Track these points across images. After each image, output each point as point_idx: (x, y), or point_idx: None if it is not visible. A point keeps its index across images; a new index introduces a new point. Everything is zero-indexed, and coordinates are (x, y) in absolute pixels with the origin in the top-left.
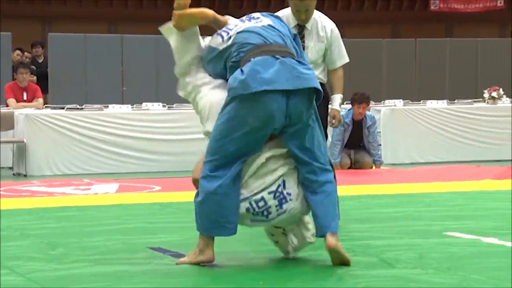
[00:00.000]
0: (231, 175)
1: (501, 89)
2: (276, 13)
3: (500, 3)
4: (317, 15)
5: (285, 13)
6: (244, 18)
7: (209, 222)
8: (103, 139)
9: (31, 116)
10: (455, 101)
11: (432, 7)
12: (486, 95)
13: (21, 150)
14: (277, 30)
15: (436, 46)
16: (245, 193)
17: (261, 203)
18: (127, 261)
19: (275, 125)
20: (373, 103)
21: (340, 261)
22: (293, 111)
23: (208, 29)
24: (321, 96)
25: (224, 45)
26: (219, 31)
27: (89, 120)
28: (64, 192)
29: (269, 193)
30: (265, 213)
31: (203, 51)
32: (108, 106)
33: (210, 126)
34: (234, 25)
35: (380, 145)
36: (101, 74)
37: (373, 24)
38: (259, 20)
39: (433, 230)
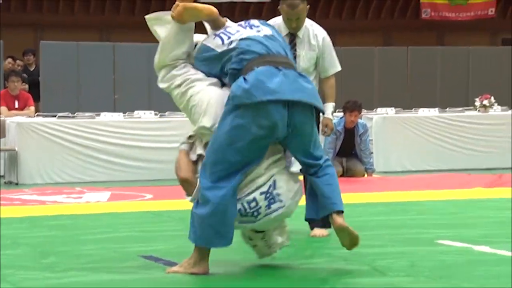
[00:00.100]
0: (233, 186)
1: (492, 97)
2: (268, 22)
3: (491, 11)
4: (309, 24)
5: (277, 21)
6: (242, 23)
7: (211, 233)
8: (95, 147)
9: (22, 124)
10: (447, 109)
11: (423, 16)
12: (477, 103)
13: (12, 159)
14: (278, 40)
15: (427, 54)
16: (237, 194)
17: (253, 204)
18: (119, 269)
19: (278, 134)
20: (365, 111)
21: (350, 239)
22: (294, 122)
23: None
24: (320, 111)
25: (224, 48)
26: (217, 32)
27: (81, 128)
28: (56, 200)
29: (261, 193)
30: (255, 213)
31: (193, 48)
32: (100, 114)
33: (207, 121)
34: (235, 30)
35: (372, 153)
36: (93, 82)
37: (365, 32)
38: (260, 29)
39: (425, 238)
